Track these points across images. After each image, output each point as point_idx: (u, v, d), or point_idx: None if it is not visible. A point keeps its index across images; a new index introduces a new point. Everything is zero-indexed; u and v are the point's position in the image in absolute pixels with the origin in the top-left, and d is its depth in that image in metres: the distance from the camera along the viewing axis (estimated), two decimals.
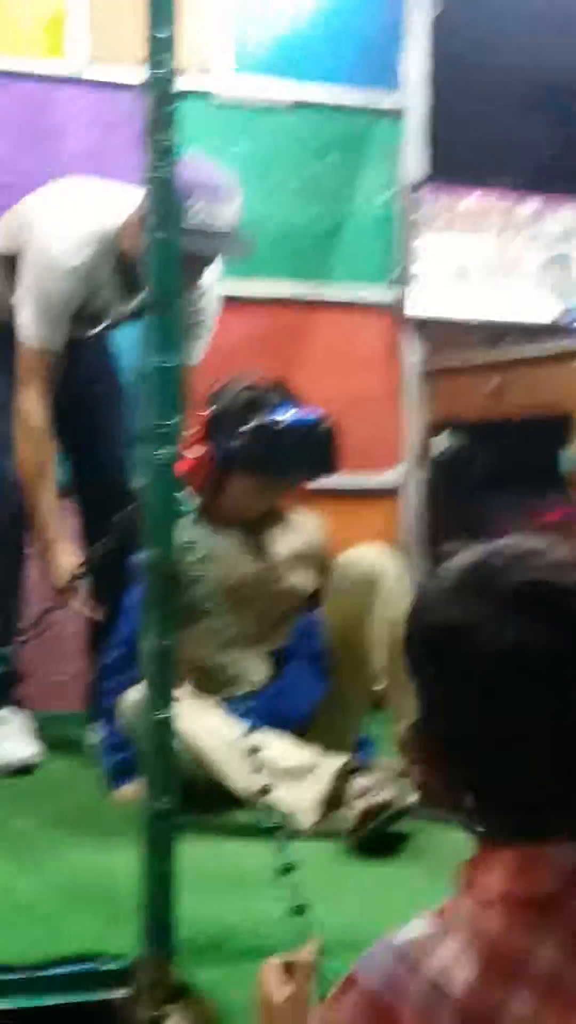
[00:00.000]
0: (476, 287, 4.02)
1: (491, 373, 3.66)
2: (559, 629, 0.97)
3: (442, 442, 3.90)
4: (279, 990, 1.27)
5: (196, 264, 2.82)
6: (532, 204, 4.10)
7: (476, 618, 0.98)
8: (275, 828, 1.57)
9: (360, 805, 2.29)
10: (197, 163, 2.79)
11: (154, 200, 1.63)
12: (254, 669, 2.71)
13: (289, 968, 1.31)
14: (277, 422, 2.65)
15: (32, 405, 2.89)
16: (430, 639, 1.01)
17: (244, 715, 2.48)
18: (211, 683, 2.54)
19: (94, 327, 2.95)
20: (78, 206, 2.89)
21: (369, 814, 2.28)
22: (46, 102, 3.60)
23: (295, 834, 2.25)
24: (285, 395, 2.74)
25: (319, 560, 2.80)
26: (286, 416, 2.66)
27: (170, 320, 1.66)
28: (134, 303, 2.71)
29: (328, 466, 2.76)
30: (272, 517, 2.79)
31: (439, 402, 3.93)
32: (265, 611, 2.75)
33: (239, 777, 2.35)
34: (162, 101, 1.60)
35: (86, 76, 3.60)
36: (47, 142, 3.60)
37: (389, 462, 3.99)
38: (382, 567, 2.62)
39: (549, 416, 3.41)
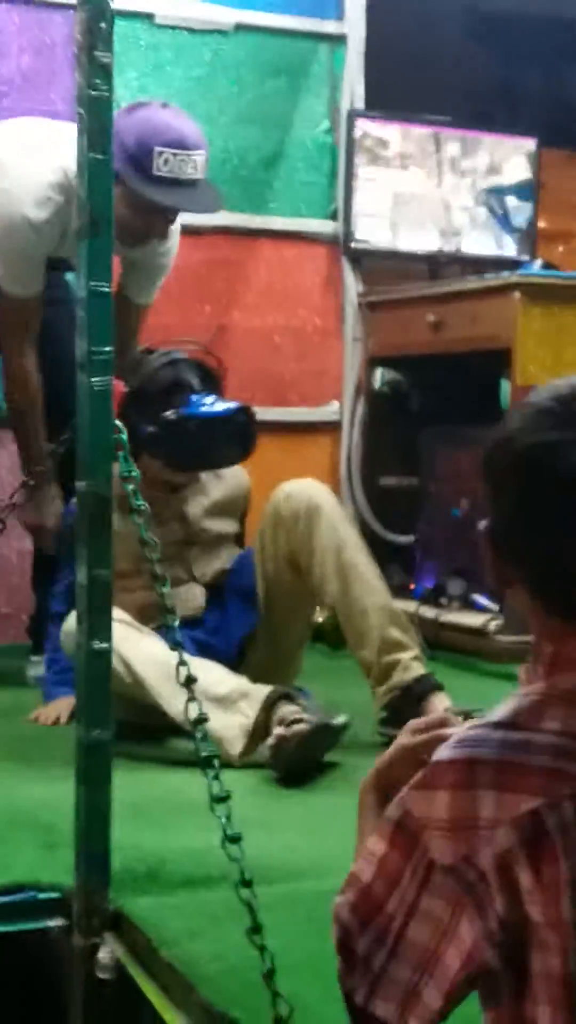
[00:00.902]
0: (415, 219, 4.00)
1: (430, 306, 3.64)
2: None
3: (379, 378, 3.89)
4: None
5: (164, 215, 2.79)
6: (470, 138, 4.07)
7: (568, 440, 1.07)
8: (210, 757, 1.57)
9: (276, 734, 2.30)
10: (164, 112, 2.73)
11: (89, 119, 1.58)
12: (190, 597, 2.72)
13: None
14: (192, 418, 2.62)
15: (19, 355, 2.87)
16: (523, 456, 1.10)
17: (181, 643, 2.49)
18: (148, 614, 2.54)
19: (60, 268, 2.91)
20: (40, 154, 2.80)
21: (282, 745, 2.29)
22: None
23: (228, 764, 2.27)
24: (206, 376, 2.71)
25: (240, 508, 2.84)
26: (202, 408, 2.64)
27: (104, 244, 1.62)
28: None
29: (242, 455, 2.75)
30: None
31: (378, 335, 3.92)
32: (192, 559, 2.77)
33: (176, 703, 2.36)
34: (98, 16, 1.55)
35: None
36: None
37: (330, 395, 3.98)
38: (320, 498, 2.62)
39: (487, 349, 3.41)
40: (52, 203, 2.77)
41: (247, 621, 2.71)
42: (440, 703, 2.47)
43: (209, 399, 2.67)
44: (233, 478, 2.84)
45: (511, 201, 4.10)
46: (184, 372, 2.69)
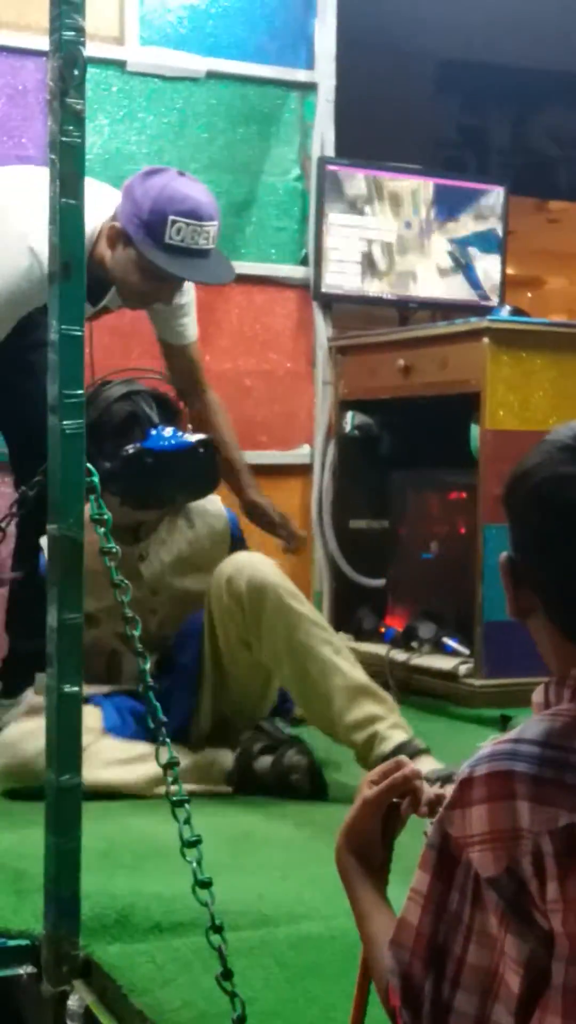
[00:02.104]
0: (385, 265, 4.03)
1: (400, 350, 3.67)
2: None
3: (350, 421, 3.91)
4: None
5: (175, 282, 2.76)
6: (439, 186, 4.11)
7: None
8: (181, 801, 1.56)
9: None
10: (180, 180, 2.69)
11: (62, 165, 1.59)
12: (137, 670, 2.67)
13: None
14: (149, 452, 2.54)
15: None
16: (539, 489, 1.15)
17: (125, 714, 2.46)
18: (93, 672, 2.46)
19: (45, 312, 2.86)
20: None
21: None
22: None
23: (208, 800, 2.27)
24: (164, 407, 2.64)
25: (217, 557, 2.64)
26: (161, 442, 2.55)
27: (75, 288, 1.63)
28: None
29: (205, 489, 2.67)
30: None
31: (349, 379, 3.94)
32: (155, 618, 2.66)
33: (123, 774, 2.39)
34: (70, 63, 1.57)
35: None
36: None
37: (301, 438, 4.00)
38: (261, 576, 2.49)
39: (457, 394, 3.43)
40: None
41: (182, 708, 2.55)
42: (425, 767, 2.32)
43: (168, 431, 2.59)
44: (206, 525, 2.72)
45: (474, 252, 4.14)
46: (141, 404, 2.61)
